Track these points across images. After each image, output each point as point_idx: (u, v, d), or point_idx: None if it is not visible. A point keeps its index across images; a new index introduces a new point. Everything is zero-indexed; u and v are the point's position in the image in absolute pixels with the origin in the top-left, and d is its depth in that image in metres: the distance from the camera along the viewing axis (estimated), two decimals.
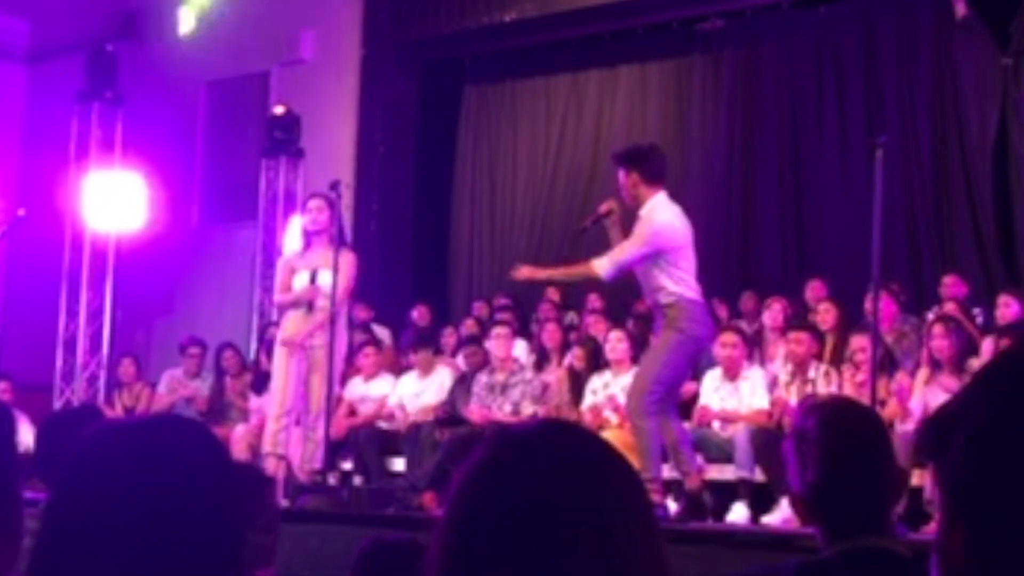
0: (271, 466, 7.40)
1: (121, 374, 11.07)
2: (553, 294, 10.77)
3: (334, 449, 8.72)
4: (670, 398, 6.54)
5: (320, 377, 7.56)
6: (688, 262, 6.36)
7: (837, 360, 7.95)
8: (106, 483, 1.34)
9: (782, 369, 7.95)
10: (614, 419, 7.86)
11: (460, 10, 11.58)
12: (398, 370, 9.55)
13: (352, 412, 9.24)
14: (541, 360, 9.18)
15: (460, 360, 9.52)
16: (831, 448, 2.40)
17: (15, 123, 13.90)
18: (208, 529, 1.36)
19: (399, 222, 12.24)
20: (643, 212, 6.40)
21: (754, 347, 8.66)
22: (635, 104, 11.83)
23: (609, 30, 11.56)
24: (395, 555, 2.93)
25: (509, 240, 12.31)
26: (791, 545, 5.25)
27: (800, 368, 7.71)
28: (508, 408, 8.34)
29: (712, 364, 8.04)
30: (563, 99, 12.17)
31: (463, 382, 8.90)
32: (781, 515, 6.79)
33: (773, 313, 8.68)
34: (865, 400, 6.49)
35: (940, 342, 7.19)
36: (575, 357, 8.70)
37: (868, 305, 8.13)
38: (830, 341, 8.22)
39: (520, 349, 9.26)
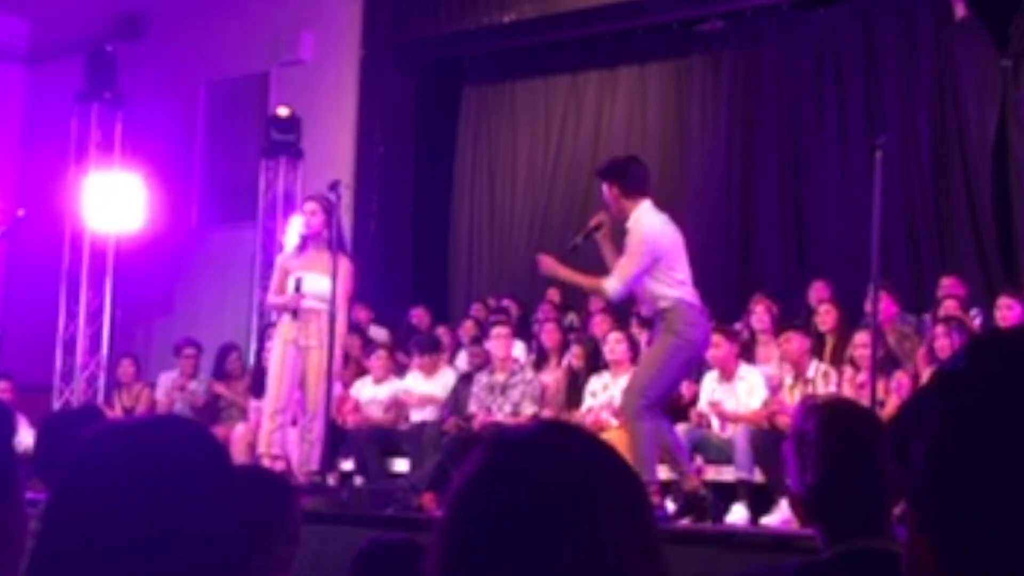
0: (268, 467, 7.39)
1: (120, 374, 11.07)
2: (553, 294, 10.77)
3: (335, 448, 8.72)
4: (664, 402, 6.59)
5: (316, 378, 7.54)
6: (682, 266, 6.41)
7: (837, 361, 7.95)
8: (106, 483, 1.34)
9: (780, 371, 7.94)
10: (613, 422, 7.86)
11: (460, 11, 11.58)
12: (398, 371, 9.54)
13: (357, 409, 9.25)
14: (540, 361, 9.18)
15: (462, 360, 9.51)
16: (831, 449, 2.40)
17: (15, 123, 13.89)
18: (207, 529, 1.36)
19: (399, 222, 12.24)
20: (630, 224, 6.46)
21: (749, 349, 8.66)
22: (635, 105, 11.83)
23: (609, 31, 11.56)
24: (393, 556, 2.93)
25: (508, 240, 12.31)
26: (790, 546, 5.25)
27: (797, 368, 7.71)
28: (508, 409, 8.34)
29: (710, 366, 8.04)
30: (563, 100, 12.17)
31: (467, 382, 8.88)
32: (780, 516, 6.79)
33: (758, 315, 8.67)
34: (865, 400, 6.50)
35: (943, 342, 7.19)
36: (574, 356, 8.70)
37: (869, 306, 8.15)
38: (830, 342, 8.23)
39: (519, 350, 9.25)
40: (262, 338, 10.45)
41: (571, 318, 10.31)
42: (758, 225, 11.05)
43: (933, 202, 10.19)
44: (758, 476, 7.31)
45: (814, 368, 7.72)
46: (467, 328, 10.13)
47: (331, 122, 12.06)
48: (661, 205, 6.68)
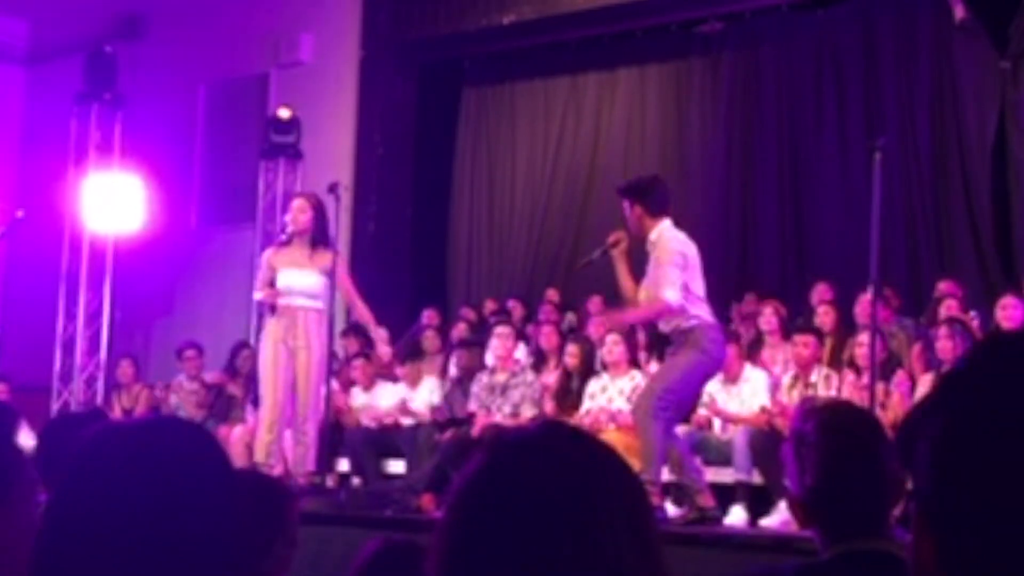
0: None
1: (120, 375, 11.06)
2: (552, 295, 10.78)
3: (332, 450, 8.71)
4: (678, 413, 6.66)
5: (307, 380, 7.46)
6: (700, 285, 6.52)
7: (835, 363, 7.95)
8: (106, 484, 1.34)
9: (785, 372, 7.95)
10: (611, 424, 7.86)
11: (459, 12, 11.59)
12: (394, 377, 9.51)
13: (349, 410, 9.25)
14: (538, 362, 9.18)
15: (451, 363, 9.49)
16: (830, 451, 2.40)
17: (14, 124, 13.90)
18: (207, 531, 1.36)
19: (398, 224, 12.24)
20: (653, 237, 6.55)
21: (754, 351, 8.66)
22: (634, 106, 11.84)
23: (608, 32, 11.56)
24: (403, 558, 2.93)
25: (508, 241, 12.31)
26: (790, 548, 5.25)
27: (803, 371, 7.71)
28: (508, 409, 8.33)
29: None
30: (562, 101, 12.18)
31: (458, 385, 8.88)
32: (779, 518, 6.79)
33: (766, 317, 8.67)
34: (865, 403, 6.50)
35: (944, 344, 7.17)
36: (569, 354, 8.68)
37: (857, 308, 8.17)
38: (828, 344, 8.23)
39: (521, 351, 9.25)
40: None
41: (570, 319, 10.31)
42: (757, 226, 11.05)
43: (932, 203, 10.19)
44: (757, 477, 7.31)
45: (816, 371, 7.72)
46: (459, 330, 10.10)
47: (330, 123, 12.07)
48: None
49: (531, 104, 12.37)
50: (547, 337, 9.21)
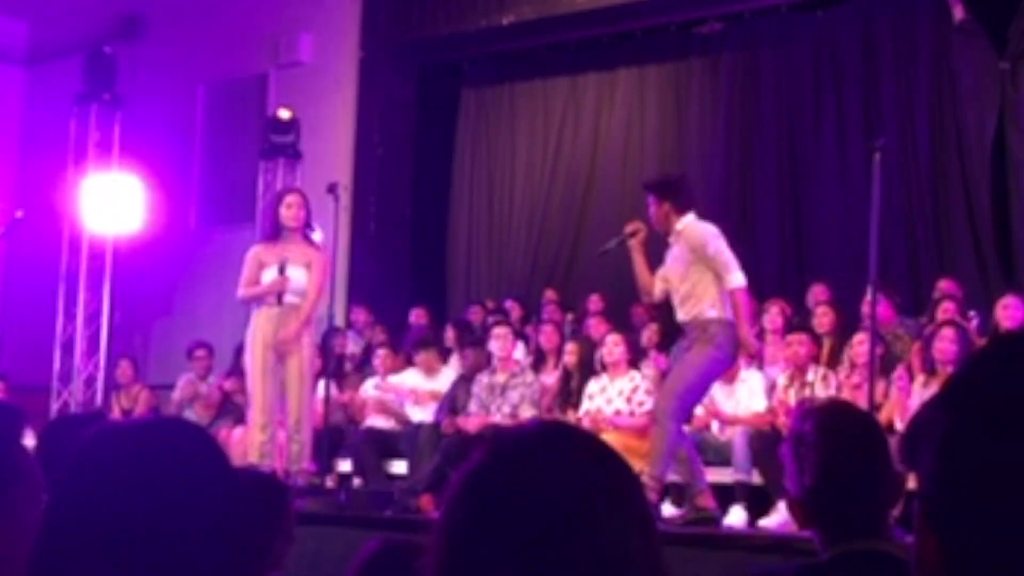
0: None
1: (119, 376, 11.07)
2: (552, 295, 10.78)
3: (333, 451, 8.72)
4: (690, 412, 6.74)
5: (298, 383, 7.40)
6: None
7: (833, 363, 7.96)
8: (105, 485, 1.34)
9: (782, 372, 7.95)
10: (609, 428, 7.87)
11: (458, 13, 11.59)
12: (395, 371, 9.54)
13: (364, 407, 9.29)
14: (537, 362, 9.18)
15: (454, 362, 9.50)
16: (828, 452, 2.41)
17: (13, 125, 13.90)
18: (206, 531, 1.36)
19: (397, 224, 12.24)
20: (679, 227, 6.67)
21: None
22: (633, 107, 11.84)
23: (607, 33, 11.56)
24: (402, 559, 2.93)
25: (507, 242, 12.31)
26: (789, 548, 5.25)
27: (799, 371, 7.72)
28: (507, 410, 8.33)
29: None
30: (561, 102, 12.18)
31: (464, 383, 8.86)
32: (779, 518, 6.79)
33: (771, 316, 8.69)
34: (863, 403, 6.51)
35: (948, 345, 7.13)
36: (568, 352, 8.68)
37: (865, 308, 8.16)
38: (827, 344, 8.23)
39: (520, 351, 9.25)
40: None
41: (570, 320, 10.31)
42: (757, 227, 11.05)
43: (931, 205, 10.19)
44: (756, 478, 7.32)
45: (812, 371, 7.72)
46: (450, 338, 10.08)
47: (330, 124, 12.07)
48: None
49: (531, 104, 12.37)
50: (547, 337, 9.21)
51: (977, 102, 9.91)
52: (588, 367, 8.47)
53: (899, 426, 7.08)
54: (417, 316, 10.75)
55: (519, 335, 9.52)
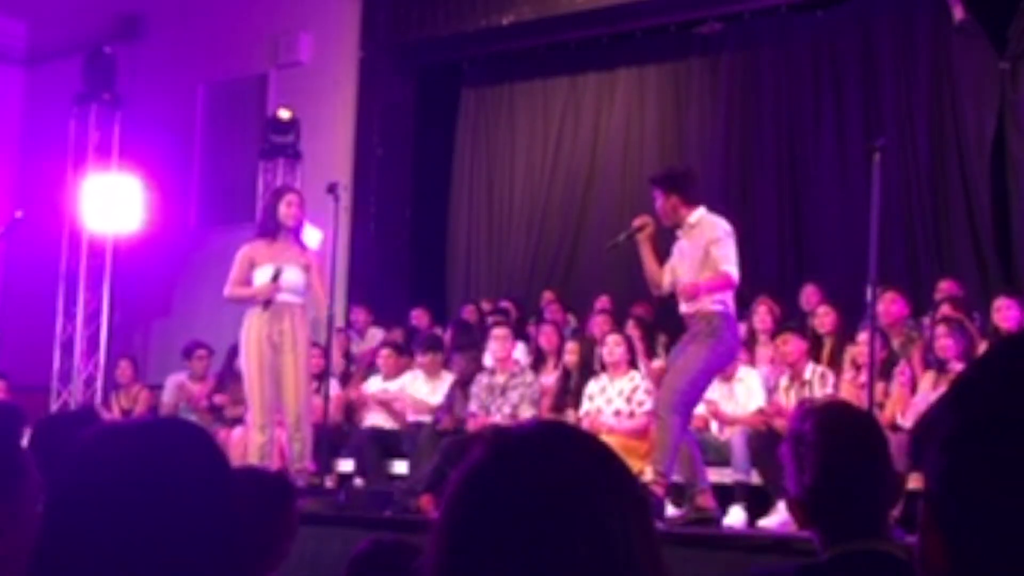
0: None
1: (119, 376, 11.06)
2: (550, 296, 10.77)
3: (334, 450, 8.72)
4: (693, 408, 6.72)
5: (296, 383, 7.38)
6: None
7: (834, 363, 7.96)
8: (105, 485, 1.34)
9: (778, 373, 7.95)
10: (612, 422, 7.86)
11: (458, 13, 11.59)
12: (397, 372, 9.53)
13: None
14: (537, 363, 9.18)
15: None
16: (828, 452, 2.41)
17: (13, 125, 13.90)
18: (207, 532, 1.36)
19: (397, 224, 12.25)
20: (692, 220, 6.65)
21: (749, 349, 8.67)
22: (633, 107, 11.84)
23: (607, 33, 11.56)
24: (391, 558, 2.93)
25: (507, 242, 12.31)
26: (789, 548, 5.26)
27: (795, 370, 7.72)
28: (507, 410, 8.33)
29: None
30: (561, 102, 12.18)
31: (458, 387, 8.87)
32: (778, 518, 6.79)
33: (760, 316, 8.69)
34: (863, 402, 6.51)
35: (944, 341, 7.18)
36: (569, 351, 8.66)
37: (881, 307, 8.15)
38: (828, 344, 8.23)
39: (519, 351, 9.25)
40: None
41: (570, 320, 10.31)
42: (756, 227, 11.04)
43: (931, 205, 10.19)
44: (755, 478, 7.32)
45: (810, 370, 7.72)
46: (451, 333, 10.05)
47: (329, 124, 12.07)
48: None
49: (530, 105, 12.36)
50: (547, 337, 9.20)
51: (977, 102, 9.90)
52: (588, 367, 8.47)
53: (902, 422, 7.07)
54: (418, 317, 10.74)
55: (519, 335, 9.52)
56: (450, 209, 12.69)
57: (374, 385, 9.44)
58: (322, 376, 8.44)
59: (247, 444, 7.81)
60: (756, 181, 11.11)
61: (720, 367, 6.86)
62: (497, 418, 8.24)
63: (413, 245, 12.39)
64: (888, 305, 7.89)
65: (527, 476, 1.16)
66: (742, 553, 5.65)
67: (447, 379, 9.08)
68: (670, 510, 6.96)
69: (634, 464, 6.62)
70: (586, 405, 8.16)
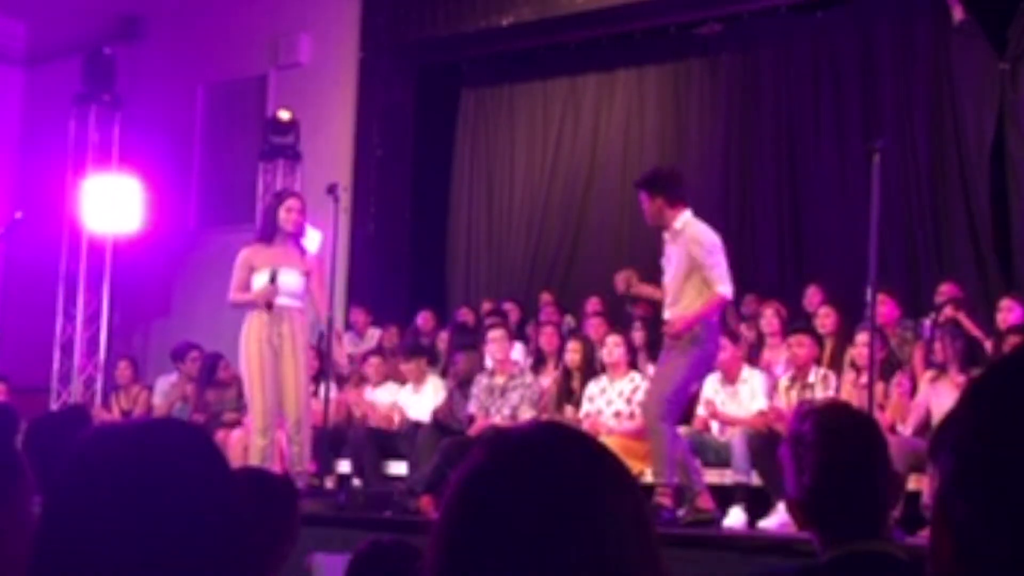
0: None
1: (118, 377, 11.06)
2: (548, 298, 10.77)
3: (333, 451, 8.72)
4: (680, 413, 6.73)
5: (295, 385, 7.38)
6: None
7: (836, 364, 7.96)
8: (103, 487, 1.34)
9: (783, 374, 7.95)
10: (612, 423, 7.86)
11: (458, 14, 11.59)
12: (399, 376, 9.52)
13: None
14: (537, 364, 9.17)
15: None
16: (828, 453, 2.40)
17: (13, 126, 13.90)
18: (204, 533, 1.36)
19: (397, 225, 12.25)
20: (679, 226, 6.63)
21: (756, 352, 8.67)
22: (632, 108, 11.84)
23: (607, 34, 11.56)
24: (390, 558, 2.93)
25: (507, 243, 12.31)
26: (788, 549, 5.26)
27: (800, 372, 7.72)
28: (506, 411, 8.33)
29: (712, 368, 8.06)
30: (560, 103, 12.18)
31: (458, 388, 8.86)
32: (778, 519, 6.79)
33: (767, 319, 8.68)
34: (864, 404, 6.51)
35: (938, 345, 7.23)
36: (571, 350, 8.65)
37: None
38: (829, 345, 8.23)
39: (519, 352, 9.24)
40: None
41: (568, 321, 10.31)
42: (756, 228, 11.05)
43: (931, 206, 10.19)
44: (756, 479, 7.31)
45: (813, 372, 7.72)
46: (442, 340, 10.06)
47: (329, 124, 12.07)
48: None
49: (530, 105, 12.37)
50: (548, 338, 9.20)
51: (976, 103, 9.90)
52: (590, 367, 8.47)
53: (901, 429, 7.11)
54: (424, 320, 10.71)
55: (518, 336, 9.51)
56: (450, 210, 12.69)
57: (366, 395, 9.43)
58: (319, 378, 8.43)
59: (246, 447, 7.80)
60: (756, 182, 11.11)
61: (702, 374, 6.91)
62: (497, 419, 8.24)
63: (413, 246, 12.39)
64: (878, 307, 7.91)
65: (526, 478, 1.16)
66: (742, 554, 5.65)
67: (432, 383, 9.09)
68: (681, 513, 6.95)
69: (634, 465, 6.63)
70: (586, 406, 8.15)
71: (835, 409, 2.70)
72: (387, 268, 12.06)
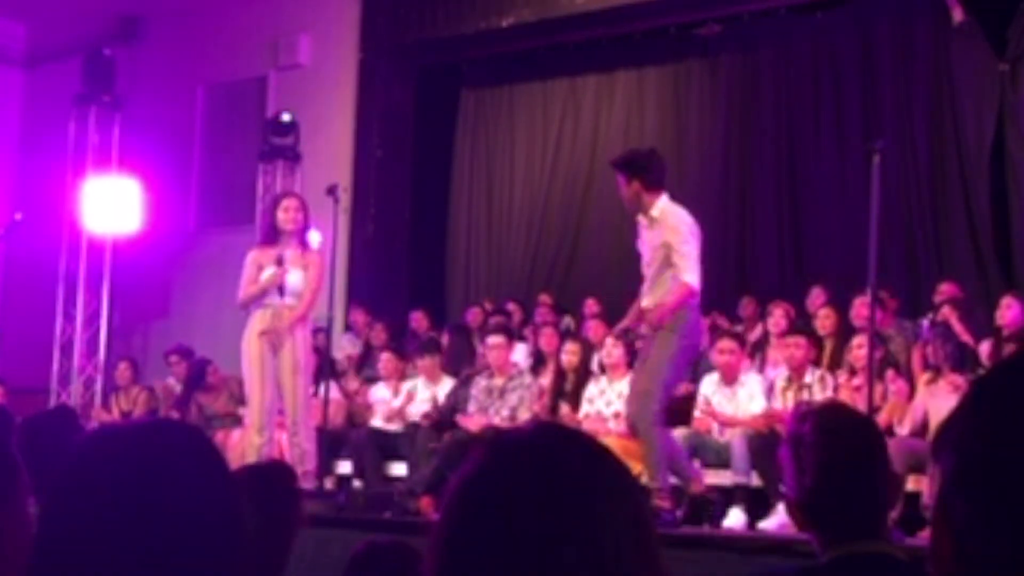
0: None
1: (118, 377, 11.07)
2: (546, 299, 10.77)
3: (334, 452, 8.71)
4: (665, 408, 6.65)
5: (296, 380, 7.40)
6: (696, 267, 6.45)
7: (834, 365, 7.96)
8: (103, 487, 1.33)
9: (781, 375, 7.95)
10: (611, 425, 7.86)
11: (458, 15, 11.59)
12: (399, 375, 9.51)
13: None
14: (537, 364, 9.17)
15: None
16: (827, 454, 2.40)
17: (12, 127, 13.90)
18: (204, 533, 1.36)
19: (396, 226, 12.25)
20: (655, 214, 6.46)
21: (755, 353, 8.67)
22: (632, 109, 11.84)
23: (606, 35, 11.56)
24: (387, 559, 2.94)
25: (506, 244, 12.32)
26: (788, 550, 5.25)
27: (797, 373, 7.72)
28: (505, 412, 8.32)
29: (710, 368, 8.06)
30: (560, 103, 12.18)
31: (466, 384, 8.85)
32: (778, 520, 6.79)
33: (775, 319, 8.65)
34: (862, 405, 6.51)
35: (931, 347, 7.26)
36: (568, 352, 8.63)
37: (853, 311, 8.19)
38: (828, 346, 8.23)
39: (519, 353, 9.23)
40: None
41: (567, 322, 10.31)
42: (755, 229, 11.06)
43: (930, 206, 10.19)
44: (755, 480, 7.32)
45: (811, 373, 7.72)
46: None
47: (329, 125, 12.07)
48: None
49: (529, 106, 12.37)
50: (548, 339, 9.20)
51: (976, 104, 9.91)
52: (586, 369, 8.46)
53: (898, 429, 7.12)
54: (417, 320, 10.72)
55: (518, 337, 9.51)
56: (449, 210, 12.69)
57: (379, 392, 9.41)
58: (318, 378, 8.43)
59: (245, 446, 7.81)
60: (755, 183, 11.11)
61: (688, 363, 6.73)
62: (496, 420, 8.24)
63: (412, 246, 12.39)
64: (859, 308, 7.95)
65: (525, 479, 1.16)
66: (742, 555, 5.64)
67: (447, 382, 9.08)
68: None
69: (634, 466, 6.61)
70: (585, 407, 8.15)
71: (835, 410, 2.70)
72: (387, 268, 12.06)
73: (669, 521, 6.35)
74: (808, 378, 7.68)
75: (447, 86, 12.68)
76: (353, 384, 9.88)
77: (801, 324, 8.48)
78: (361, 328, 10.84)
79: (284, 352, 7.39)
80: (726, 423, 7.76)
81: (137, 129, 12.39)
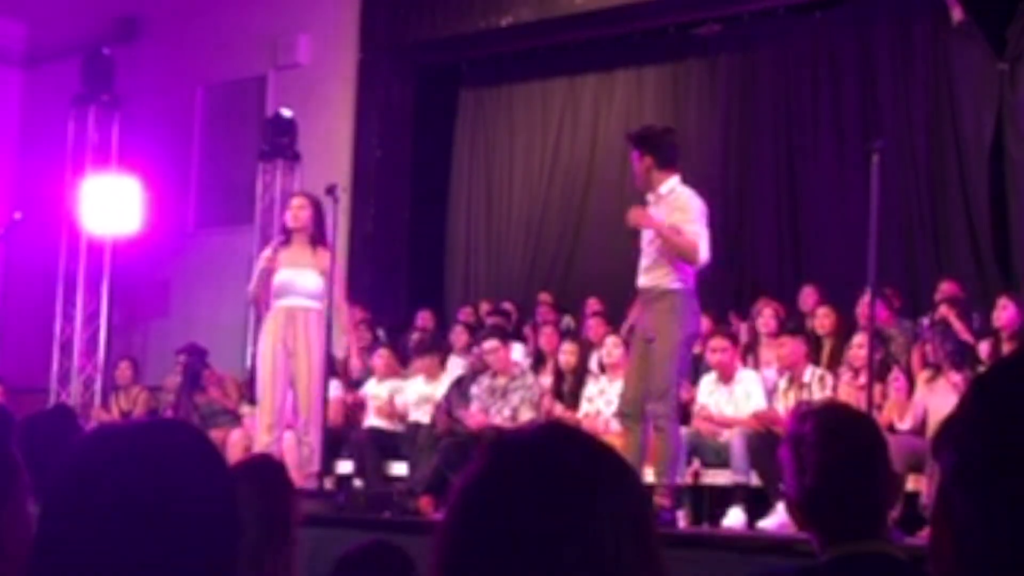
0: None
1: (118, 377, 11.07)
2: (546, 298, 10.77)
3: (334, 452, 8.71)
4: None
5: (307, 384, 7.41)
6: None
7: (834, 365, 7.96)
8: (103, 487, 1.33)
9: (778, 376, 7.95)
10: (613, 425, 7.86)
11: (457, 14, 11.59)
12: (397, 374, 9.51)
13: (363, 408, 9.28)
14: (536, 364, 9.16)
15: (454, 364, 9.45)
16: (827, 453, 2.40)
17: (11, 126, 13.89)
18: (204, 533, 1.36)
19: (396, 225, 12.25)
20: (663, 191, 6.40)
21: (749, 352, 8.67)
22: (631, 108, 11.83)
23: (606, 35, 11.56)
24: (375, 559, 2.94)
25: (506, 243, 12.31)
26: (788, 550, 5.25)
27: (794, 373, 7.72)
28: (507, 412, 8.32)
29: (708, 369, 8.06)
30: (559, 103, 12.18)
31: (460, 385, 8.85)
32: (777, 520, 6.79)
33: (765, 318, 8.67)
34: (862, 404, 6.51)
35: (930, 346, 7.27)
36: (566, 352, 8.63)
37: (859, 310, 8.18)
38: (827, 346, 8.23)
39: (519, 352, 9.23)
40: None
41: (567, 321, 10.31)
42: (754, 229, 11.05)
43: (930, 206, 10.19)
44: (755, 479, 7.32)
45: (810, 372, 7.72)
46: (458, 334, 10.05)
47: (328, 125, 12.07)
48: None
49: (529, 106, 12.37)
50: (548, 339, 9.20)
51: (975, 103, 9.91)
52: (584, 368, 8.46)
53: (899, 426, 7.13)
54: (423, 319, 10.71)
55: (517, 337, 9.50)
56: (449, 210, 12.69)
57: (371, 388, 9.42)
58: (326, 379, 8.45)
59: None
60: (754, 182, 11.11)
61: (689, 349, 6.68)
62: (497, 420, 8.24)
63: (411, 246, 12.39)
64: (865, 307, 7.95)
65: (530, 479, 1.16)
66: (742, 554, 5.64)
67: (445, 380, 9.08)
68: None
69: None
70: (585, 407, 8.15)
71: (835, 410, 2.70)
72: (386, 268, 12.06)
73: (668, 520, 6.35)
74: (806, 377, 7.68)
75: (446, 86, 12.68)
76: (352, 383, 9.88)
77: (793, 324, 8.47)
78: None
79: (301, 353, 7.40)
80: (723, 425, 7.76)
81: (136, 129, 12.39)
